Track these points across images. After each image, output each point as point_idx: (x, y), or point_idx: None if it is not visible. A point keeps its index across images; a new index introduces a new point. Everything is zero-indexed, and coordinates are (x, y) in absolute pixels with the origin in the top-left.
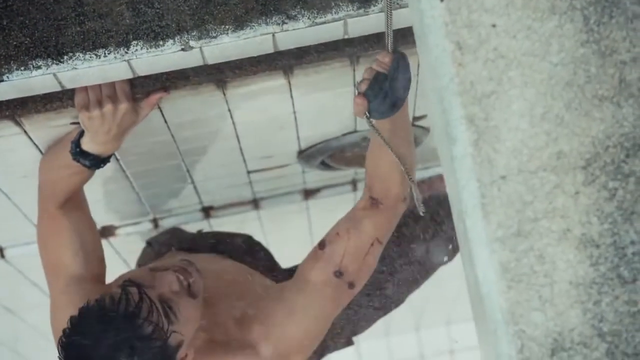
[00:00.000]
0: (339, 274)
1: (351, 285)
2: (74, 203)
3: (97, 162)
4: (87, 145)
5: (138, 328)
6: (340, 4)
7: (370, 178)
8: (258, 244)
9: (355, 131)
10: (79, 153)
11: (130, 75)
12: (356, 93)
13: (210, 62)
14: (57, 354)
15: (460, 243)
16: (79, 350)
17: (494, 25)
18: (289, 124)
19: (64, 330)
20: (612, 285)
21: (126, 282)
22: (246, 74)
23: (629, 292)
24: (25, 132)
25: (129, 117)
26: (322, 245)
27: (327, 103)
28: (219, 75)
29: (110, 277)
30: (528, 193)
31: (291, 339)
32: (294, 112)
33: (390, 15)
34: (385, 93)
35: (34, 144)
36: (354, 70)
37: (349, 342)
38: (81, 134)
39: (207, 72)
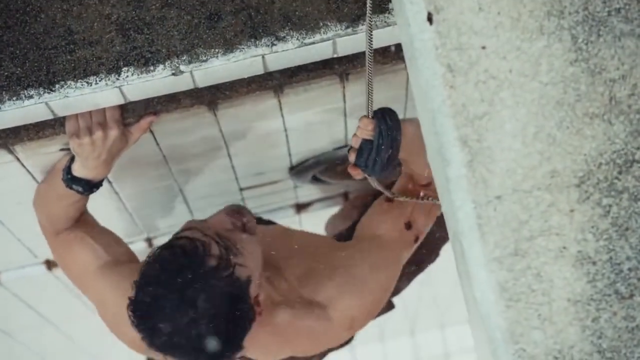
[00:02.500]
0: (408, 225)
1: (416, 239)
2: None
3: (89, 187)
4: (78, 171)
5: (202, 263)
6: (329, 24)
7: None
8: None
9: (346, 145)
10: (70, 179)
11: (122, 102)
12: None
13: (200, 85)
14: (130, 319)
15: (458, 264)
16: (150, 302)
17: (483, 47)
18: (280, 141)
19: (136, 285)
20: (609, 301)
21: (185, 229)
22: (237, 95)
23: (626, 307)
24: (18, 159)
25: (119, 143)
26: (389, 198)
27: (318, 120)
28: (210, 97)
29: None
30: (523, 212)
31: (361, 300)
32: (285, 130)
33: (371, 81)
34: (374, 160)
35: (28, 171)
36: (344, 88)
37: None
38: (72, 160)
39: (198, 95)
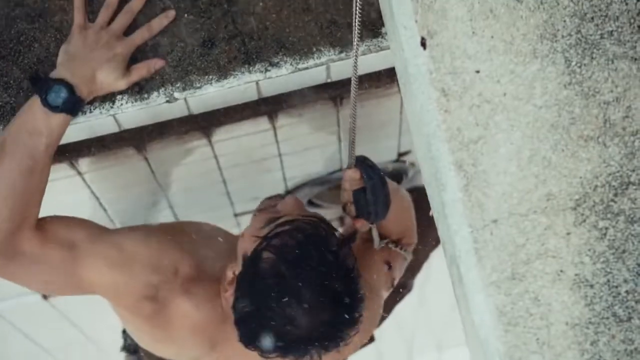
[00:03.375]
0: (389, 265)
1: (392, 282)
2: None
3: (73, 99)
4: (58, 72)
5: (329, 243)
6: (322, 49)
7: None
8: None
9: (341, 169)
10: (49, 89)
11: (116, 129)
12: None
13: (195, 112)
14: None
15: (455, 288)
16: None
17: (477, 71)
18: (274, 166)
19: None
20: (607, 324)
21: (286, 221)
22: (231, 120)
23: (625, 330)
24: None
25: (118, 65)
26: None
27: (312, 144)
28: (204, 123)
29: None
30: (520, 236)
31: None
32: (280, 155)
33: (354, 131)
34: (374, 204)
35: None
36: (338, 112)
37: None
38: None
39: (192, 121)
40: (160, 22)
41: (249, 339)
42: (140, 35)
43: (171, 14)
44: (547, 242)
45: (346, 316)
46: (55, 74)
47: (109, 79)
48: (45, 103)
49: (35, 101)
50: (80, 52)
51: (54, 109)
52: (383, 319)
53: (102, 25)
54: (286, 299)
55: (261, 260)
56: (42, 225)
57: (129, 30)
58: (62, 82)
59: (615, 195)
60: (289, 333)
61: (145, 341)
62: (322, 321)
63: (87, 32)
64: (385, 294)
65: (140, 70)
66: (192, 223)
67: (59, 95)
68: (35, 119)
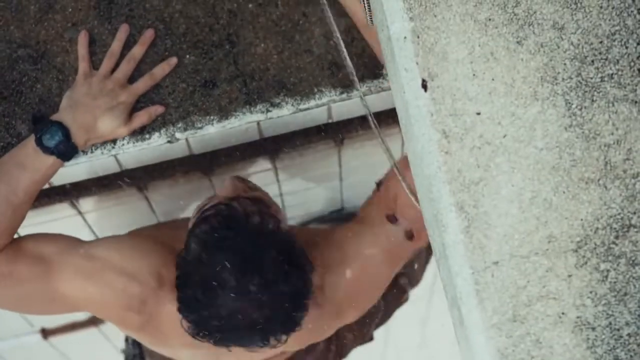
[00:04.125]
0: (393, 219)
1: (409, 235)
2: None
3: (67, 145)
4: (60, 115)
5: (247, 222)
6: (323, 89)
7: None
8: None
9: (342, 209)
10: (46, 131)
11: (117, 170)
12: None
13: (196, 152)
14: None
15: (456, 329)
16: (207, 281)
17: (478, 113)
18: None
19: (183, 266)
20: None
21: (210, 206)
22: (232, 161)
23: None
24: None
25: (121, 112)
26: (379, 184)
27: (314, 184)
28: (206, 163)
29: None
30: (521, 278)
31: (345, 286)
32: (281, 195)
33: None
34: None
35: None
36: (339, 152)
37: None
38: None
39: (193, 161)
40: (162, 69)
41: (192, 331)
42: (143, 84)
43: (173, 61)
44: (548, 284)
45: (287, 300)
46: (55, 117)
47: (110, 127)
48: (39, 142)
49: (31, 138)
50: (83, 99)
51: (45, 149)
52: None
53: (106, 73)
54: (212, 287)
55: (189, 250)
56: (12, 244)
57: (132, 76)
58: (59, 125)
59: (617, 237)
60: (226, 322)
61: (145, 344)
62: (258, 306)
63: (91, 80)
64: (398, 251)
65: (141, 118)
66: (176, 221)
67: (54, 138)
68: (26, 154)
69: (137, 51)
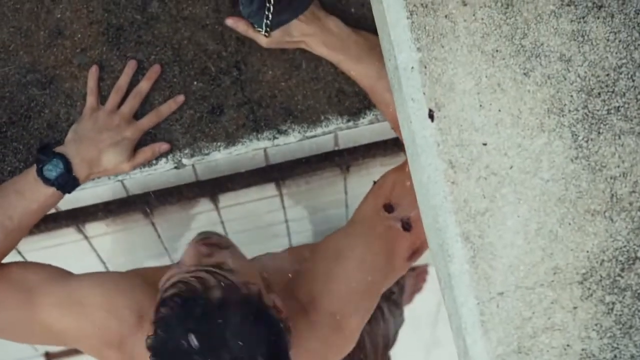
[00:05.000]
0: (389, 208)
1: (406, 224)
2: None
3: (68, 176)
4: (65, 147)
5: (208, 298)
6: (330, 117)
7: None
8: None
9: None
10: (48, 161)
11: (124, 195)
12: None
13: (202, 178)
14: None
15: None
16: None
17: (484, 144)
18: (281, 232)
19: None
20: None
21: (169, 285)
22: (238, 187)
23: None
24: (19, 252)
25: (125, 148)
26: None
27: (319, 211)
28: (212, 189)
29: None
30: (526, 309)
31: (339, 291)
32: (286, 221)
33: None
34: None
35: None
36: (345, 180)
37: None
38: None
39: (199, 187)
40: (169, 107)
41: None
42: (149, 120)
43: (180, 99)
44: (553, 316)
45: None
46: (59, 149)
47: (114, 162)
48: (40, 172)
49: (33, 167)
50: (89, 133)
51: (45, 180)
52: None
53: (112, 108)
54: None
55: (156, 334)
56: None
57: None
58: (62, 157)
59: (622, 270)
60: None
61: None
62: None
63: (98, 114)
64: (394, 246)
65: (145, 154)
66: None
67: (55, 170)
68: (26, 183)
69: (144, 86)
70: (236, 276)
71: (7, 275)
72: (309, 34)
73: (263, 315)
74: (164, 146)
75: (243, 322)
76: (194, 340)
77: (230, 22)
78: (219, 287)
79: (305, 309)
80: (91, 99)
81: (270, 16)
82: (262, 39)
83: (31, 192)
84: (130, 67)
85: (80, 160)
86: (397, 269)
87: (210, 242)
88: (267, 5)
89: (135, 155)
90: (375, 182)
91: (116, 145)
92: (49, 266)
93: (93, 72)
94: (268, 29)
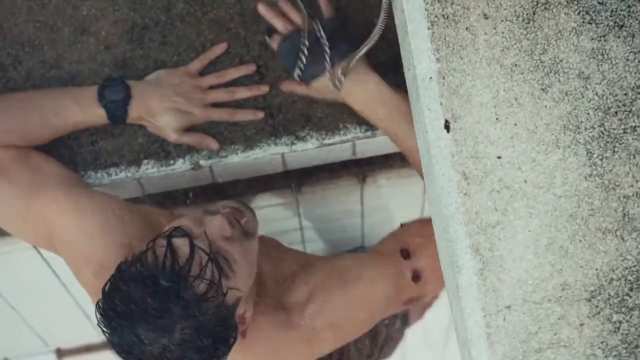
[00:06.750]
0: (406, 254)
1: (416, 276)
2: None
3: (119, 106)
4: (142, 82)
5: (189, 288)
6: (349, 126)
7: None
8: None
9: (362, 247)
10: (115, 85)
11: (140, 194)
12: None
13: (219, 180)
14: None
15: None
16: (122, 317)
17: (499, 157)
18: (295, 239)
19: (103, 291)
20: None
21: (173, 230)
22: (254, 191)
23: None
24: (36, 248)
25: (190, 119)
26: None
27: (334, 220)
28: (228, 192)
29: None
30: (533, 323)
31: (328, 309)
32: (301, 228)
33: None
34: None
35: (45, 260)
36: (362, 190)
37: None
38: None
39: (216, 190)
40: (243, 115)
41: (107, 334)
42: (220, 114)
43: (260, 114)
44: (559, 331)
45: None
46: (130, 82)
47: (167, 123)
48: (100, 90)
49: (96, 86)
50: (165, 86)
51: (100, 98)
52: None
53: (204, 85)
54: (127, 320)
55: (126, 264)
56: (21, 148)
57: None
58: (127, 88)
59: (631, 289)
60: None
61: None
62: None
63: (187, 79)
64: (396, 293)
65: (193, 138)
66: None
67: (114, 94)
68: (84, 93)
69: (231, 73)
70: (230, 281)
71: (26, 155)
72: (349, 90)
73: (222, 324)
74: (213, 144)
75: (200, 326)
76: (147, 303)
77: (286, 87)
78: (208, 284)
79: (289, 308)
80: (196, 65)
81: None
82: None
83: (84, 103)
84: (221, 47)
85: (142, 100)
86: (390, 310)
87: (240, 220)
88: (300, 56)
89: (186, 133)
90: (402, 225)
91: (179, 113)
92: (69, 170)
93: (217, 49)
94: (302, 79)
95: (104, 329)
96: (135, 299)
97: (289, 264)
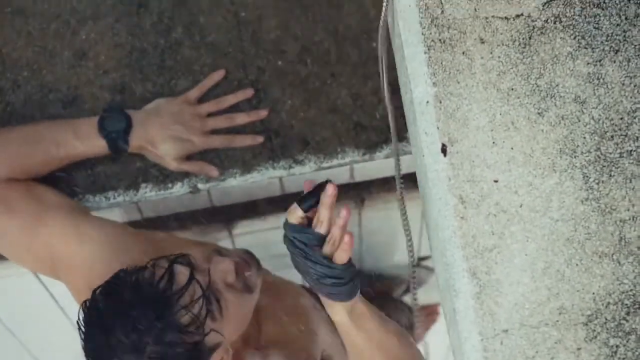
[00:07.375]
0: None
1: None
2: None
3: (120, 137)
4: (141, 111)
5: (173, 315)
6: (347, 149)
7: None
8: None
9: (362, 270)
10: (115, 116)
11: (138, 217)
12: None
13: (217, 204)
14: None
15: None
16: (103, 317)
17: (495, 181)
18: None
19: (93, 291)
20: None
21: (179, 256)
22: (253, 215)
23: None
24: (36, 274)
25: (190, 148)
26: None
27: None
28: (227, 216)
29: None
30: (530, 348)
31: (321, 342)
32: None
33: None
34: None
35: (45, 287)
36: (360, 213)
37: None
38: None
39: (214, 213)
40: (242, 140)
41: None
42: (220, 141)
43: (259, 139)
44: (557, 356)
45: None
46: (130, 111)
47: (167, 152)
48: (101, 121)
49: (96, 117)
50: (165, 115)
51: (101, 129)
52: None
53: (203, 113)
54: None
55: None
56: (22, 181)
57: None
58: (128, 118)
59: (628, 314)
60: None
61: None
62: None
63: (186, 107)
64: None
65: (193, 166)
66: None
67: (115, 124)
68: (85, 125)
69: (230, 99)
70: (216, 324)
71: (29, 186)
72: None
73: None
74: (213, 171)
75: (171, 355)
76: (130, 313)
77: None
78: (192, 318)
79: (280, 343)
80: (194, 92)
81: None
82: None
83: (84, 136)
84: (219, 73)
85: (142, 129)
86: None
87: (244, 272)
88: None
89: (186, 161)
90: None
91: (179, 141)
92: (71, 199)
93: (215, 75)
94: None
95: (81, 328)
96: (121, 304)
97: (278, 308)
